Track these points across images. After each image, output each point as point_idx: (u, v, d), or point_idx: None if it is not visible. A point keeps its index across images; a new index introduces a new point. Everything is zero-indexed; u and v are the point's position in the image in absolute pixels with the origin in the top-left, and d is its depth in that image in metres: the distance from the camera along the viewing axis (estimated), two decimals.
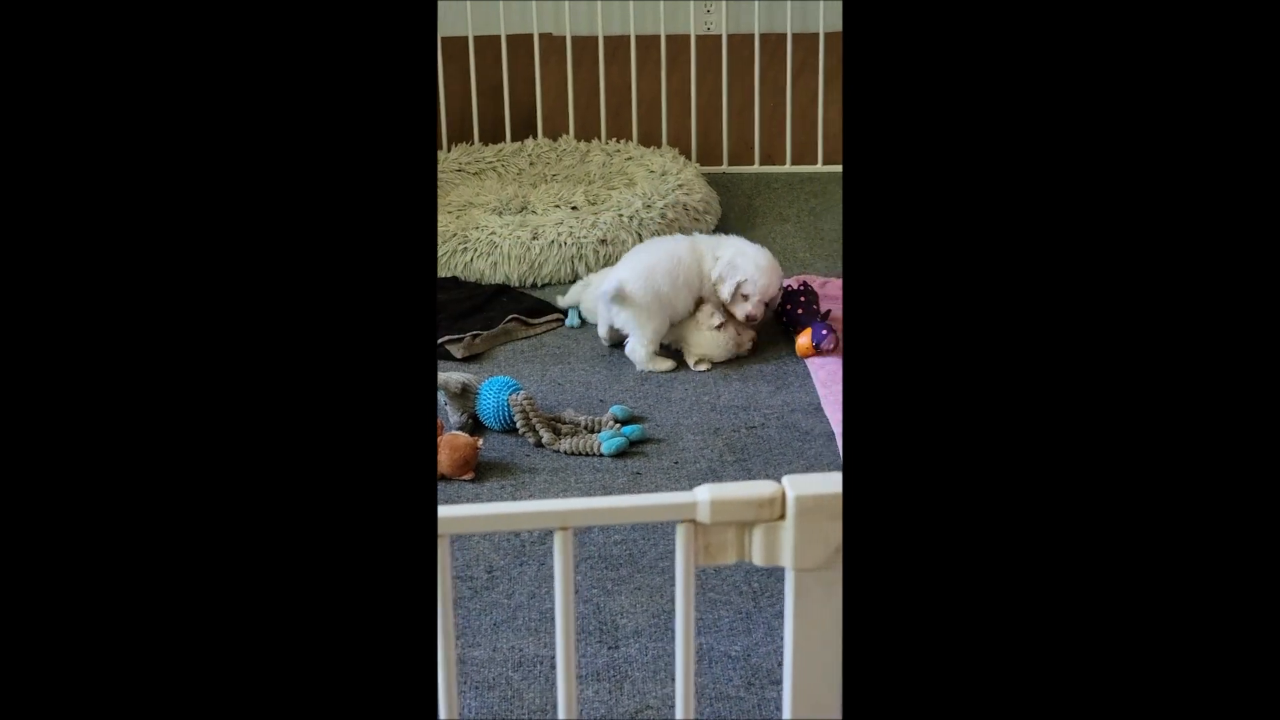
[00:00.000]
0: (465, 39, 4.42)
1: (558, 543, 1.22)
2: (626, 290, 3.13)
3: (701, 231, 3.69)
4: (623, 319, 3.18)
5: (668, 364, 3.18)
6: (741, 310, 3.21)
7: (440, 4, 4.36)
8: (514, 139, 4.48)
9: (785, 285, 3.35)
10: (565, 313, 3.45)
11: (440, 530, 1.19)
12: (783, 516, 1.21)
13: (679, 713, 1.29)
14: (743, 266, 3.19)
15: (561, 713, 1.28)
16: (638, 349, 3.17)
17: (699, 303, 3.23)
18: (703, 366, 3.19)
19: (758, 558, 1.22)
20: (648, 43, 4.46)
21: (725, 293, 3.18)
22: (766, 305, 3.25)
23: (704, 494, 1.20)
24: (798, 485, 1.20)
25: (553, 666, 2.09)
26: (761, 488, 1.20)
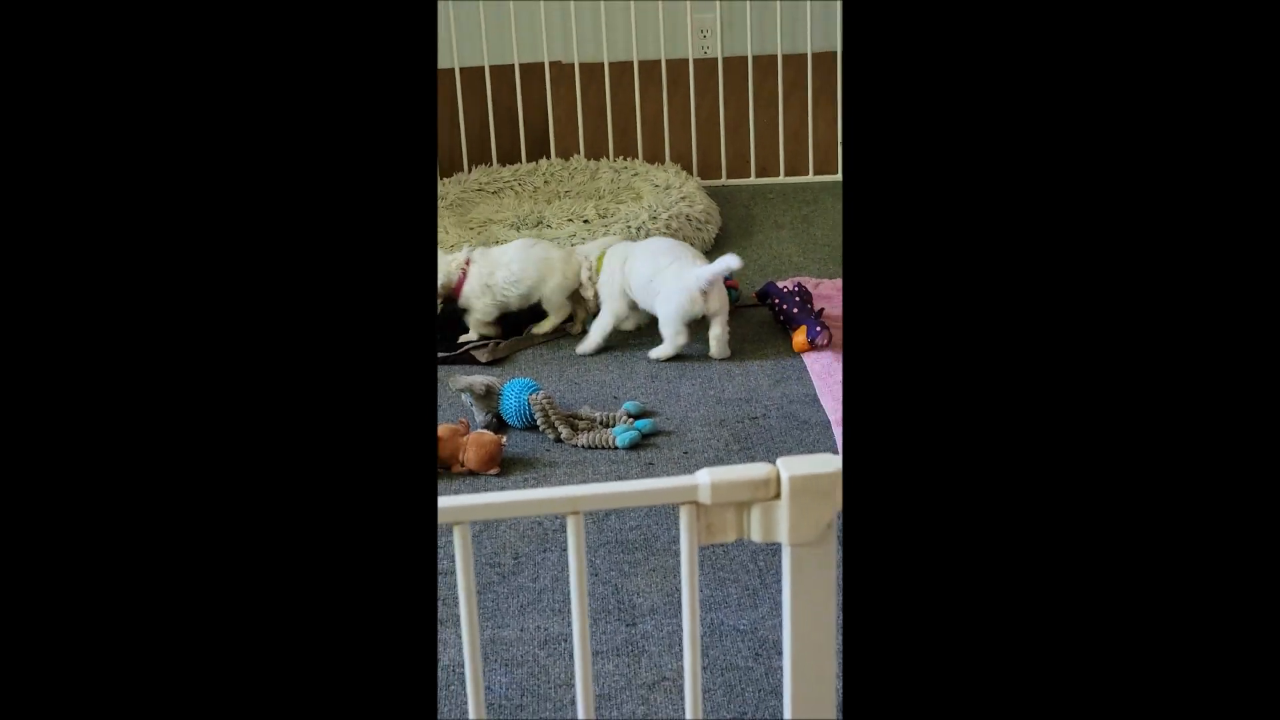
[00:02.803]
0: (482, 69, 4.43)
1: (570, 526, 1.22)
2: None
3: (703, 241, 3.70)
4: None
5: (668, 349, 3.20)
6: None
7: (457, 37, 4.37)
8: (529, 159, 4.48)
9: (781, 286, 3.35)
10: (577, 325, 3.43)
11: (460, 518, 1.18)
12: (778, 496, 1.20)
13: (687, 680, 1.29)
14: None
15: (579, 682, 1.28)
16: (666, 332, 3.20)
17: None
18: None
19: (756, 535, 1.21)
20: (650, 67, 4.46)
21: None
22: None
23: (704, 477, 1.19)
24: (790, 466, 1.19)
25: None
26: (757, 470, 1.19)
